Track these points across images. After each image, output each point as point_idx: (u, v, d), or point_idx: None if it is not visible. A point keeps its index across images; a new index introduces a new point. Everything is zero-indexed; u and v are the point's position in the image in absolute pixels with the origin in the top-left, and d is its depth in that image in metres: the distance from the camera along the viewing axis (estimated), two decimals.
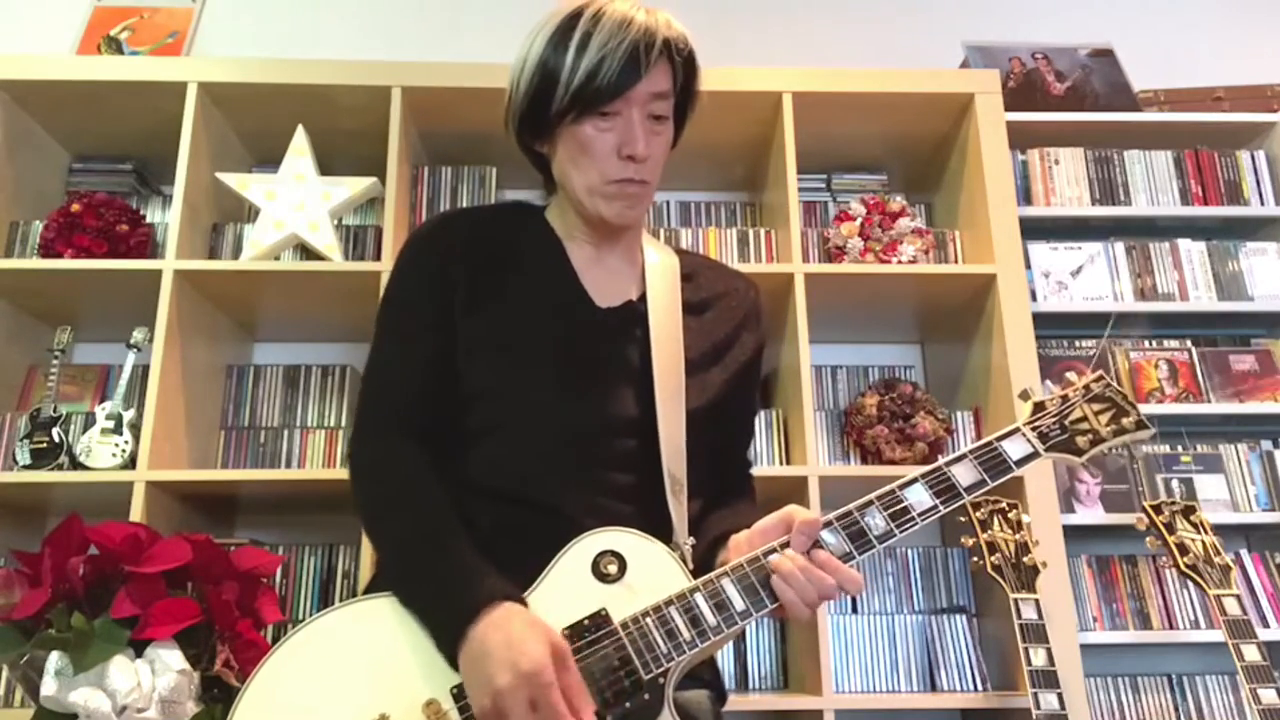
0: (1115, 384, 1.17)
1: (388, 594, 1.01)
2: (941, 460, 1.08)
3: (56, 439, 1.97)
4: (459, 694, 0.95)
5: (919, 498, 1.05)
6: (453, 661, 0.95)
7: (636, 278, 1.22)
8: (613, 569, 0.99)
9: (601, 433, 1.10)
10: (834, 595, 0.99)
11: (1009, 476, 1.08)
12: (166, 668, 1.26)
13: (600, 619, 0.97)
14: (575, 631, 0.97)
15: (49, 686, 1.23)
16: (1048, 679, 1.59)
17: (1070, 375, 1.20)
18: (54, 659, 1.24)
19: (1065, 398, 1.16)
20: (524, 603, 0.97)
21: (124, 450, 1.94)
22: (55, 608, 1.26)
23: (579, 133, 1.10)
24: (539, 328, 1.14)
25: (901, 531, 1.03)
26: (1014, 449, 1.10)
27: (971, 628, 2.05)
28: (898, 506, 1.04)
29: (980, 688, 1.99)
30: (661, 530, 1.05)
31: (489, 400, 1.11)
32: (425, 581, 1.00)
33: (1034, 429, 1.13)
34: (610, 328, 1.16)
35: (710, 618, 0.97)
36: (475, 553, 1.01)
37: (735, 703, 1.93)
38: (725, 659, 2.07)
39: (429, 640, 0.97)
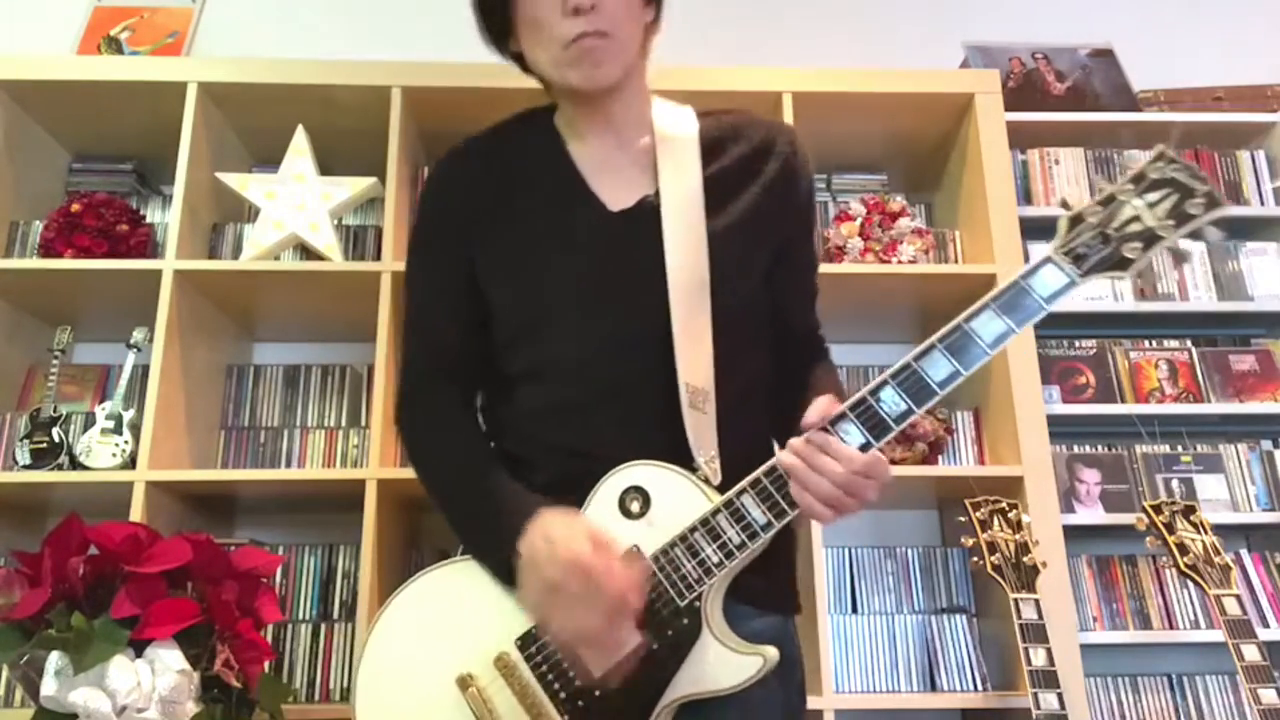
0: (1179, 158, 0.91)
1: (466, 558, 1.06)
2: (962, 315, 1.02)
3: (56, 439, 1.97)
4: (523, 644, 1.01)
5: (937, 367, 1.00)
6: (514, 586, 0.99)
7: (650, 165, 1.10)
8: (636, 506, 1.01)
9: (624, 356, 1.04)
10: (854, 487, 0.93)
11: (1041, 315, 0.96)
12: (166, 668, 1.26)
13: (632, 557, 0.99)
14: None
15: (49, 686, 1.23)
16: (1048, 679, 1.59)
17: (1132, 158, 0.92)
18: (54, 659, 1.24)
19: (1112, 198, 0.94)
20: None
21: (124, 450, 1.94)
22: (55, 608, 1.27)
23: (524, 7, 1.05)
24: (551, 249, 1.08)
25: (920, 407, 0.98)
26: (1042, 284, 0.96)
27: (971, 628, 2.05)
28: (916, 383, 0.98)
29: (980, 688, 1.99)
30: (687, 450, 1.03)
31: (516, 341, 1.10)
32: (474, 519, 1.06)
33: (1067, 253, 0.96)
34: (624, 232, 1.07)
35: (735, 536, 0.99)
36: (515, 484, 1.04)
37: None
38: None
39: (498, 590, 1.02)
